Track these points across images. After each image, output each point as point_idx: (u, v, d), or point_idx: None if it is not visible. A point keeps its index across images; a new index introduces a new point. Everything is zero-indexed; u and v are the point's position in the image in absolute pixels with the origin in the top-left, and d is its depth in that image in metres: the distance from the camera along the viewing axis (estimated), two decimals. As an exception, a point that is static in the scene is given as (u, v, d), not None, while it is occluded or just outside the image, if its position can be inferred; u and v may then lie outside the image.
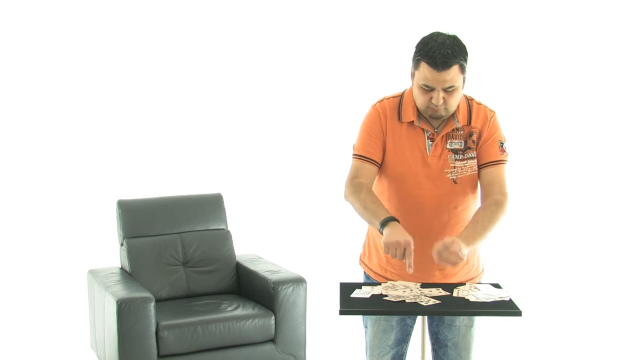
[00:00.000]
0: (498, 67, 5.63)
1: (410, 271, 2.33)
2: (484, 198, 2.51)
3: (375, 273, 2.67)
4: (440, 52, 2.31)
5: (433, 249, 2.33)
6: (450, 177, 2.49)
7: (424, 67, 2.35)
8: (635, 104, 5.68)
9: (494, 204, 2.45)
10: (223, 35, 5.59)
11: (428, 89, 2.38)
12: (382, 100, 2.58)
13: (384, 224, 2.37)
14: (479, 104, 2.56)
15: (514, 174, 5.51)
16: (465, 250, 2.32)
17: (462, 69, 2.38)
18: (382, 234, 2.37)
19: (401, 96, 2.56)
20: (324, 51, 5.69)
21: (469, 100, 2.55)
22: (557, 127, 5.75)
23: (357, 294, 2.41)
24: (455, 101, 2.42)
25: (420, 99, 2.42)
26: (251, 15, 5.60)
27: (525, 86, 5.71)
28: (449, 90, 2.37)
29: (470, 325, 2.64)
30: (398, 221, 2.38)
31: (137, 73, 5.45)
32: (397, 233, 2.32)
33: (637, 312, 4.89)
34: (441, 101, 2.37)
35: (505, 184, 2.52)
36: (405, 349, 2.71)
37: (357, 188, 2.49)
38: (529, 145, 5.70)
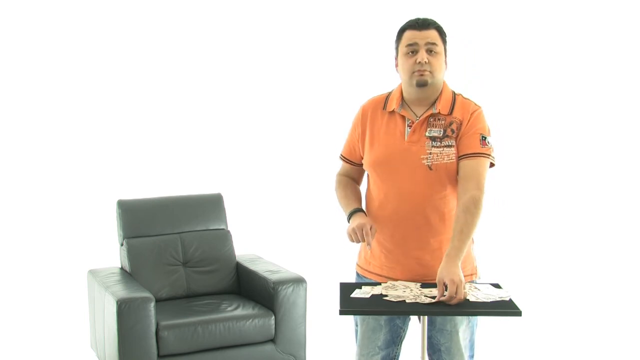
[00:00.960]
0: (497, 67, 5.63)
1: (369, 249, 2.53)
2: (460, 193, 2.48)
3: (361, 268, 2.70)
4: (419, 18, 2.54)
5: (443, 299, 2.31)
6: (426, 163, 2.50)
7: (406, 33, 2.52)
8: (633, 103, 5.69)
9: (472, 203, 2.43)
10: (223, 36, 5.60)
11: (412, 50, 2.49)
12: (368, 100, 2.69)
13: (349, 216, 2.58)
14: (466, 98, 2.59)
15: (514, 173, 5.52)
16: (461, 273, 2.34)
17: (442, 36, 2.52)
18: None
19: (390, 91, 2.65)
20: (325, 52, 5.69)
21: (455, 94, 2.59)
22: (557, 127, 5.75)
23: (357, 294, 2.42)
24: (438, 66, 2.50)
25: (406, 66, 2.51)
26: (252, 17, 5.61)
27: (526, 86, 5.71)
28: (432, 53, 2.48)
29: (455, 331, 2.59)
30: (363, 211, 2.59)
31: (137, 73, 5.45)
32: (354, 221, 2.52)
33: (637, 312, 4.89)
34: (425, 58, 2.46)
35: (483, 179, 2.49)
36: (397, 352, 2.70)
37: (338, 183, 2.77)
38: (528, 145, 5.71)
